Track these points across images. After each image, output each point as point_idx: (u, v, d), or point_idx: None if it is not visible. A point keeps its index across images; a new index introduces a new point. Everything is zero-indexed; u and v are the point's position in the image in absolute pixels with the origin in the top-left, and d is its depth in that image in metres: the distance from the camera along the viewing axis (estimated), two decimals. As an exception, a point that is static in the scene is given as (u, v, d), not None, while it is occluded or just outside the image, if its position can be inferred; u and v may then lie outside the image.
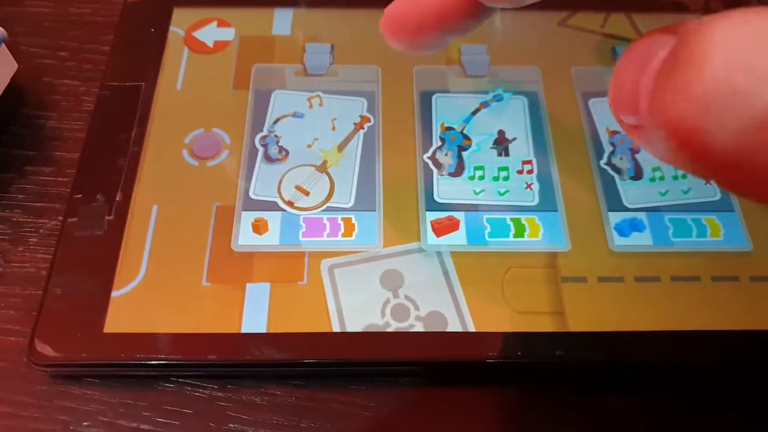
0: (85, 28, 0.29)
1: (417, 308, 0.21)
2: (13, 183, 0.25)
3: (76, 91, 0.27)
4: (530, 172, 0.24)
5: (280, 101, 0.25)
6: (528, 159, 0.24)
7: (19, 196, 0.25)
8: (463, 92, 0.26)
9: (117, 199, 0.23)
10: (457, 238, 0.23)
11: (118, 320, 0.21)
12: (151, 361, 0.20)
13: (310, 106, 0.25)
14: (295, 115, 0.25)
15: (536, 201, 0.23)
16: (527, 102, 0.26)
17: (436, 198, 0.23)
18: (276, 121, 0.25)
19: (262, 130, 0.25)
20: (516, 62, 0.27)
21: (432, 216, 0.23)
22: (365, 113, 0.25)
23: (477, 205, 0.23)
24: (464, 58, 0.27)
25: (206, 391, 0.21)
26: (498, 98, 0.26)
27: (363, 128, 0.25)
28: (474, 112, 0.25)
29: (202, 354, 0.20)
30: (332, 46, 0.27)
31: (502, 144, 0.25)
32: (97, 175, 0.23)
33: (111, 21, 0.29)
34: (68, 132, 0.26)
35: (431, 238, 0.22)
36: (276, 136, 0.25)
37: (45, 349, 0.20)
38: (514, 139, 0.25)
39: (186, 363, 0.20)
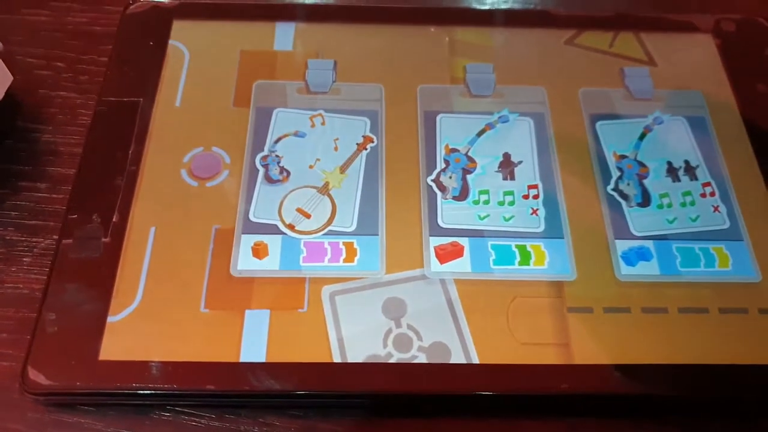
0: (82, 38, 0.29)
1: (420, 338, 0.21)
2: (7, 199, 0.24)
3: (73, 104, 0.27)
4: (536, 197, 0.24)
5: (282, 120, 0.25)
6: (534, 183, 0.24)
7: (13, 213, 0.24)
8: (468, 113, 0.25)
9: (114, 220, 0.22)
10: (462, 265, 0.22)
11: (113, 347, 0.20)
12: (147, 390, 0.20)
13: (312, 125, 0.25)
14: (296, 134, 0.25)
15: (542, 227, 0.23)
16: (533, 124, 0.25)
17: (440, 223, 0.23)
18: (277, 141, 0.24)
19: (262, 150, 0.24)
20: (522, 82, 0.26)
21: (436, 241, 0.23)
22: (368, 133, 0.25)
23: (482, 230, 0.23)
24: (470, 77, 0.26)
25: (203, 421, 0.20)
26: (504, 119, 0.25)
27: (366, 149, 0.24)
28: (479, 134, 0.25)
29: (200, 384, 0.20)
30: (335, 63, 0.26)
31: (507, 167, 0.24)
32: (93, 195, 0.23)
33: (109, 31, 0.28)
34: (64, 146, 0.26)
35: (435, 264, 0.22)
36: (277, 156, 0.24)
37: (38, 377, 0.20)
38: (520, 162, 0.24)
39: (183, 393, 0.20)
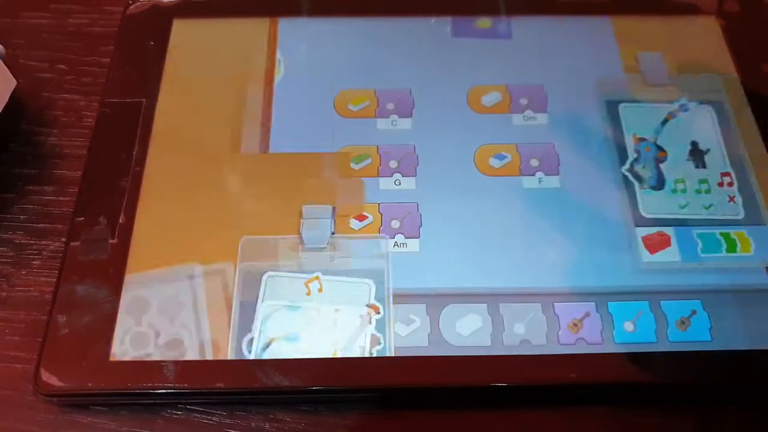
0: (83, 40, 0.29)
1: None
2: (15, 203, 0.25)
3: (76, 106, 0.27)
4: (730, 184, 0.24)
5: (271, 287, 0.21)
6: (726, 171, 0.24)
7: (21, 216, 0.24)
8: (648, 102, 0.25)
9: (120, 221, 0.23)
10: (671, 255, 0.22)
11: (124, 347, 0.20)
12: (158, 389, 0.20)
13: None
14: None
15: (742, 215, 0.23)
16: (714, 111, 0.25)
17: (642, 213, 0.23)
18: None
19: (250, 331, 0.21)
20: (694, 70, 0.26)
21: (642, 232, 0.23)
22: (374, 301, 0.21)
23: (684, 219, 0.23)
24: (643, 66, 0.26)
25: (214, 418, 0.21)
26: (684, 108, 0.25)
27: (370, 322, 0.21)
28: (663, 123, 0.25)
29: (209, 382, 0.20)
30: (334, 209, 0.23)
31: (697, 156, 0.24)
32: (99, 197, 0.23)
33: (110, 31, 0.28)
34: (69, 149, 0.26)
35: (645, 254, 0.22)
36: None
37: (51, 379, 0.20)
38: (708, 150, 0.24)
39: (193, 391, 0.20)
